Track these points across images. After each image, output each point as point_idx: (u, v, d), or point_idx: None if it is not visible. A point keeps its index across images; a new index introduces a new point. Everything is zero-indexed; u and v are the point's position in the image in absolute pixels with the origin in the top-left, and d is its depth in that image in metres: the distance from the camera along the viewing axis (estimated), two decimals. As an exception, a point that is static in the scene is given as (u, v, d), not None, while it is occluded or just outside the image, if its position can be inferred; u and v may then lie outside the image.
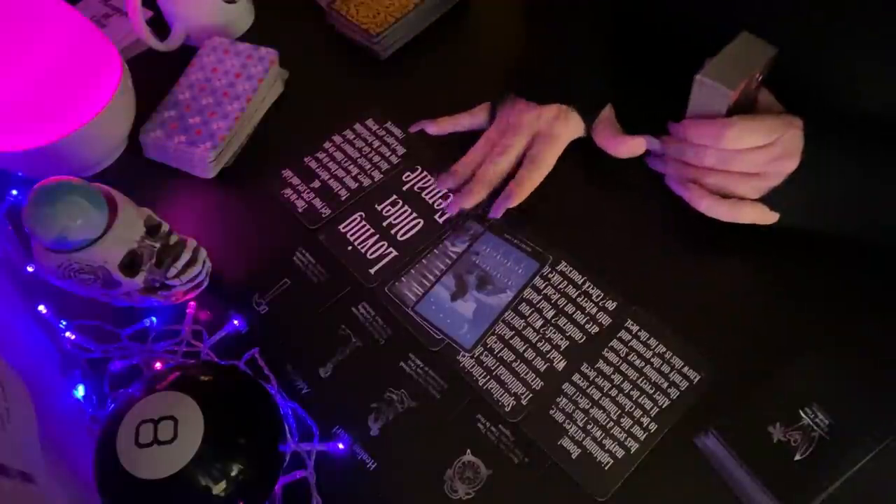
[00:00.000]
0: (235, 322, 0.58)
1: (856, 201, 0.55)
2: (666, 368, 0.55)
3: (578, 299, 0.58)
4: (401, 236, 0.63)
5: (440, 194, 0.65)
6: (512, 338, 0.57)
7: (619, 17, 0.68)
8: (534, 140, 0.63)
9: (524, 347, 0.56)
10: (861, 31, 0.51)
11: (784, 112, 0.55)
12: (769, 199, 0.55)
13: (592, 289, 0.59)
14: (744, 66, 0.52)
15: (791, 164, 0.53)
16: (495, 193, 0.63)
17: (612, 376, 0.55)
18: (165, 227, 0.56)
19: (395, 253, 0.62)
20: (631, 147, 0.61)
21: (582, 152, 0.67)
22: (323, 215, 0.64)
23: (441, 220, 0.63)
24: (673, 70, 0.56)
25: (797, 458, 0.49)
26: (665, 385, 0.54)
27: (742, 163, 0.54)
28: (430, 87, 0.72)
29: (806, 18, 0.53)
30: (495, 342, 0.57)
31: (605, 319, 0.57)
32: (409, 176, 0.66)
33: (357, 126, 0.70)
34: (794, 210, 0.55)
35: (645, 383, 0.54)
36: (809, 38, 0.53)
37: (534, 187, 0.63)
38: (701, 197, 0.56)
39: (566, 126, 0.63)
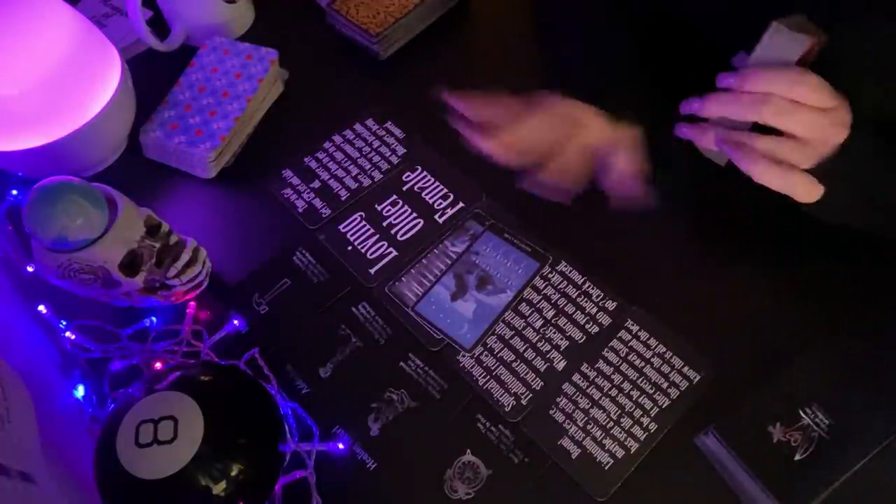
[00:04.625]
0: (235, 322, 0.58)
1: None
2: (666, 368, 0.55)
3: (578, 299, 0.58)
4: (401, 236, 0.63)
5: (440, 194, 0.65)
6: (512, 338, 0.57)
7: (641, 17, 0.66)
8: (602, 146, 0.59)
9: (524, 347, 0.56)
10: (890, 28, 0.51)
11: None
12: (819, 171, 0.51)
13: (592, 289, 0.59)
14: (808, 31, 0.50)
15: (842, 134, 0.50)
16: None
17: (612, 376, 0.55)
18: (165, 227, 0.56)
19: (395, 253, 0.62)
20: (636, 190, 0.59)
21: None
22: (323, 215, 0.64)
23: (441, 221, 0.63)
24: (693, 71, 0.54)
25: (797, 458, 0.49)
26: (665, 385, 0.54)
27: (803, 121, 0.50)
28: (430, 87, 0.71)
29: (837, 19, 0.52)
30: (495, 342, 0.57)
31: (605, 319, 0.57)
32: (409, 176, 0.66)
33: (357, 126, 0.70)
34: (841, 186, 0.52)
35: (645, 383, 0.54)
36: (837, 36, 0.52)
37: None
38: (754, 161, 0.51)
39: (625, 132, 0.60)
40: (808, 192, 0.53)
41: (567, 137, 0.59)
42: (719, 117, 0.54)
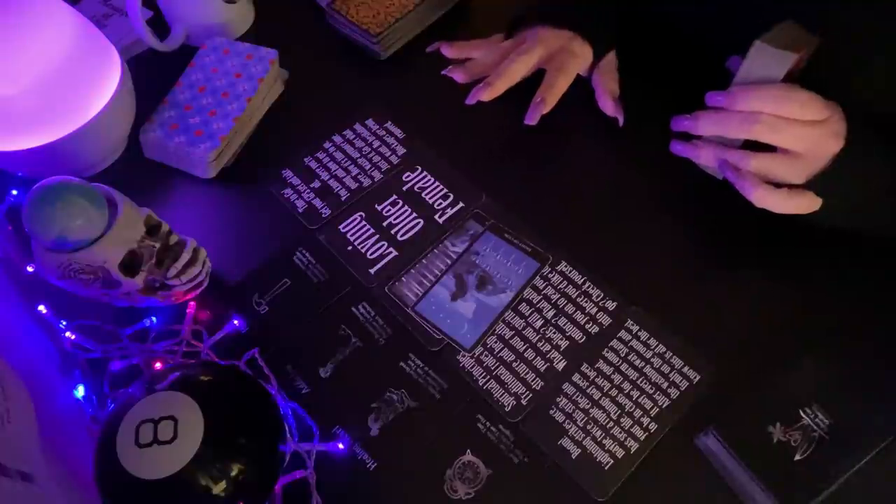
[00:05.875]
0: (235, 322, 0.58)
1: None
2: (666, 368, 0.55)
3: (578, 299, 0.58)
4: (401, 236, 0.63)
5: (440, 194, 0.65)
6: (512, 338, 0.57)
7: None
8: (553, 54, 0.66)
9: (524, 347, 0.56)
10: (885, 28, 0.51)
11: None
12: (815, 185, 0.52)
13: (592, 289, 0.59)
14: (795, 43, 0.51)
15: (837, 145, 0.50)
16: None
17: (612, 376, 0.55)
18: (165, 227, 0.56)
19: (395, 253, 0.62)
20: (611, 108, 0.66)
21: (581, 152, 0.67)
22: (323, 215, 0.64)
23: (441, 221, 0.63)
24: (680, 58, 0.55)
25: (797, 458, 0.49)
26: (665, 385, 0.54)
27: (795, 136, 0.50)
28: (430, 87, 0.72)
29: (836, 17, 0.52)
30: (495, 342, 0.57)
31: (605, 319, 0.57)
32: (409, 176, 0.66)
33: (357, 126, 0.70)
34: (839, 197, 0.53)
35: (645, 383, 0.54)
36: (836, 35, 0.52)
37: (561, 94, 0.65)
38: (754, 186, 0.52)
39: (581, 48, 0.66)
40: (806, 207, 0.54)
41: (560, 66, 0.66)
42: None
